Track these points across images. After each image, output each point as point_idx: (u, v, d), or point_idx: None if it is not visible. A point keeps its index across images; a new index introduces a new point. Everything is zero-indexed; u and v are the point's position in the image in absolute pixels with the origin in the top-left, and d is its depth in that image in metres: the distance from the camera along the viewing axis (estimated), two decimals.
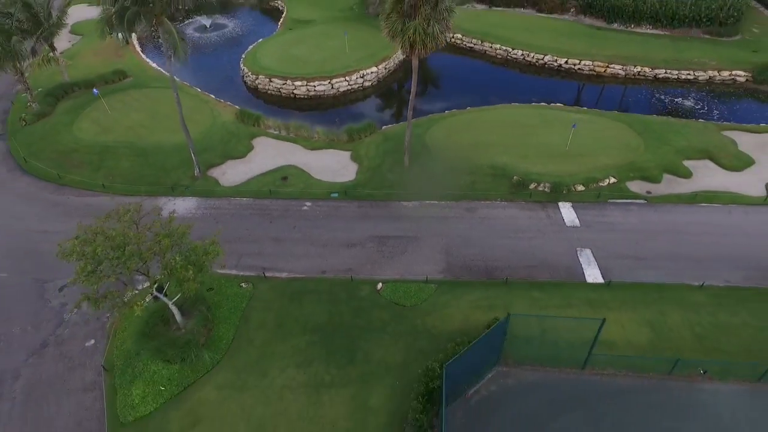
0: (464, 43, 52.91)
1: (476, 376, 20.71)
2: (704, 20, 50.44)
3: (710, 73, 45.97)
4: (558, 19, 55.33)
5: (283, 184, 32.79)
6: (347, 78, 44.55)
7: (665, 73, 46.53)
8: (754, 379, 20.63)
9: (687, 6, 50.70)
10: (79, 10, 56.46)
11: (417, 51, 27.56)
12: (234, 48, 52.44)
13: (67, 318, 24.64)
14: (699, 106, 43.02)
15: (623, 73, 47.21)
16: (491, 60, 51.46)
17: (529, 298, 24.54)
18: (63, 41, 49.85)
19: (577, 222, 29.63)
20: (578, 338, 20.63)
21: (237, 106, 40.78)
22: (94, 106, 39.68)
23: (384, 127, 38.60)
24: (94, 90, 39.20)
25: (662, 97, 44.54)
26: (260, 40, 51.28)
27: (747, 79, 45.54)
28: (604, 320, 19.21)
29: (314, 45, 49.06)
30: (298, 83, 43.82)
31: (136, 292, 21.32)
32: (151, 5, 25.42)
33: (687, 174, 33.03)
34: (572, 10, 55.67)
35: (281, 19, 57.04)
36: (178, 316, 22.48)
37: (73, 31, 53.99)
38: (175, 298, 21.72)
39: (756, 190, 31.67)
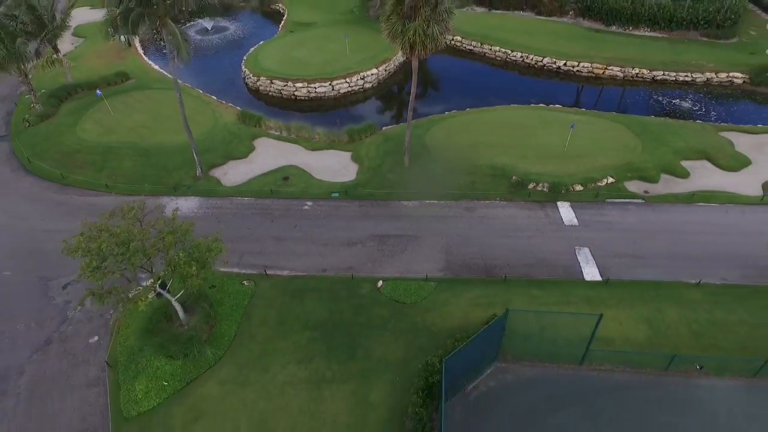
0: (464, 45, 53.33)
1: (475, 372, 20.95)
2: (702, 23, 50.83)
3: (708, 75, 46.35)
4: (557, 21, 55.77)
5: (284, 184, 33.11)
6: (348, 80, 44.94)
7: (663, 75, 46.90)
8: (749, 375, 20.90)
9: (684, 9, 51.12)
10: (81, 13, 56.85)
11: (417, 52, 27.92)
12: (235, 50, 52.87)
13: (71, 315, 24.92)
14: (697, 108, 43.37)
15: (621, 75, 47.61)
16: (491, 62, 51.87)
17: (527, 296, 24.81)
18: (66, 44, 50.27)
19: (575, 221, 29.92)
20: (576, 334, 20.90)
21: (238, 108, 41.19)
22: (97, 107, 40.07)
23: (384, 128, 38.97)
24: (98, 91, 39.57)
25: (660, 98, 44.89)
26: (261, 42, 51.74)
27: (744, 81, 45.91)
28: (601, 316, 19.47)
29: (315, 47, 49.48)
30: (299, 85, 44.21)
31: (140, 288, 21.54)
32: (155, 7, 25.80)
33: (684, 174, 33.35)
34: (571, 12, 56.10)
35: (282, 22, 57.50)
36: (180, 313, 22.75)
37: (75, 34, 54.46)
38: (178, 295, 21.99)
39: (753, 190, 31.97)
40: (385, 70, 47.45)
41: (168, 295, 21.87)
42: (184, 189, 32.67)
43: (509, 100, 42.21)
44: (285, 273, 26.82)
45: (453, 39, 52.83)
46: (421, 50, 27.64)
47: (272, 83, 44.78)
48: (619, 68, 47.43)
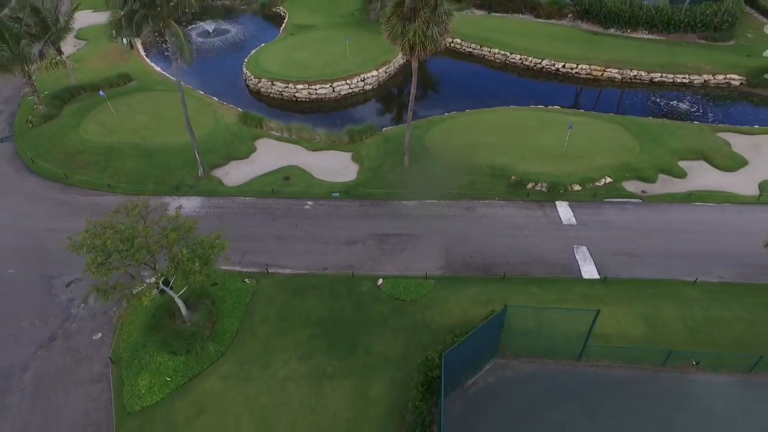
0: (463, 47, 53.76)
1: (474, 368, 21.21)
2: (699, 26, 51.28)
3: (705, 76, 46.75)
4: (556, 24, 56.22)
5: (285, 183, 33.43)
6: (348, 81, 45.34)
7: (661, 76, 47.30)
8: (745, 371, 21.13)
9: (682, 12, 51.57)
10: (84, 16, 57.27)
11: (417, 53, 28.25)
12: (237, 53, 53.29)
13: (75, 312, 25.20)
14: (694, 109, 43.74)
15: (620, 77, 48.02)
16: (490, 64, 52.27)
17: (526, 293, 25.08)
18: (68, 46, 50.69)
19: (573, 220, 30.23)
20: (574, 331, 21.16)
21: (240, 109, 41.57)
22: (100, 108, 40.42)
23: (384, 129, 39.33)
24: (101, 92, 39.96)
25: (658, 100, 45.28)
26: (263, 44, 52.15)
27: (741, 83, 46.32)
28: (598, 311, 19.75)
29: (316, 49, 49.91)
30: (299, 86, 44.61)
31: (144, 285, 21.83)
32: (158, 9, 26.17)
33: (682, 174, 33.69)
34: (569, 15, 56.55)
35: (283, 25, 57.95)
36: (183, 310, 23.04)
37: (78, 36, 54.83)
38: (181, 291, 22.29)
39: (749, 190, 32.30)
40: (386, 72, 47.85)
41: (171, 292, 22.16)
42: (186, 189, 32.99)
43: (508, 102, 42.53)
44: (286, 271, 27.11)
45: (452, 41, 53.33)
46: (421, 51, 27.98)
47: (273, 85, 45.18)
48: (617, 70, 47.86)
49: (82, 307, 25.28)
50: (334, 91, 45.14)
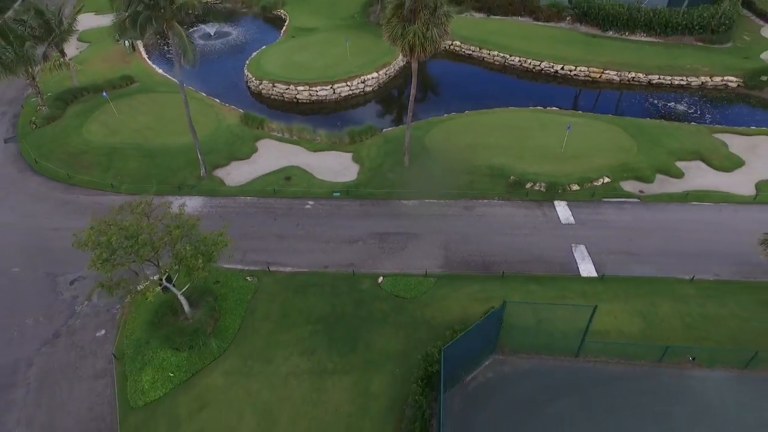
0: (463, 50, 54.16)
1: (474, 364, 21.49)
2: (697, 28, 51.72)
3: (703, 78, 47.13)
4: (554, 27, 56.63)
5: (286, 183, 33.77)
6: (349, 83, 45.74)
7: (659, 78, 47.70)
8: (740, 366, 21.42)
9: (680, 14, 52.04)
10: (86, 19, 57.65)
11: (416, 54, 28.63)
12: (238, 55, 53.71)
13: (79, 310, 25.50)
14: (692, 111, 44.13)
15: (618, 79, 48.41)
16: (489, 66, 52.67)
17: (525, 291, 25.37)
18: (71, 48, 51.01)
19: (572, 219, 30.55)
20: (572, 327, 21.44)
21: (241, 110, 41.94)
22: (103, 109, 40.80)
23: (384, 130, 39.71)
24: (104, 93, 40.36)
25: (656, 101, 45.69)
26: (264, 47, 52.50)
27: (738, 85, 46.71)
28: (596, 307, 20.08)
29: (317, 52, 50.32)
30: (300, 88, 45.00)
31: (148, 281, 22.12)
32: (162, 10, 26.56)
33: (679, 174, 34.03)
34: (568, 18, 57.00)
35: (284, 27, 58.36)
36: (186, 307, 23.33)
37: (80, 39, 55.14)
38: (184, 289, 22.59)
39: (745, 190, 32.64)
40: (386, 74, 48.26)
41: (174, 289, 22.46)
42: (188, 188, 33.33)
43: (508, 104, 42.82)
44: (288, 269, 27.42)
45: (452, 44, 53.77)
46: (421, 52, 28.36)
47: (274, 86, 45.58)
48: (615, 72, 48.27)
49: (85, 304, 25.59)
50: (334, 92, 45.54)
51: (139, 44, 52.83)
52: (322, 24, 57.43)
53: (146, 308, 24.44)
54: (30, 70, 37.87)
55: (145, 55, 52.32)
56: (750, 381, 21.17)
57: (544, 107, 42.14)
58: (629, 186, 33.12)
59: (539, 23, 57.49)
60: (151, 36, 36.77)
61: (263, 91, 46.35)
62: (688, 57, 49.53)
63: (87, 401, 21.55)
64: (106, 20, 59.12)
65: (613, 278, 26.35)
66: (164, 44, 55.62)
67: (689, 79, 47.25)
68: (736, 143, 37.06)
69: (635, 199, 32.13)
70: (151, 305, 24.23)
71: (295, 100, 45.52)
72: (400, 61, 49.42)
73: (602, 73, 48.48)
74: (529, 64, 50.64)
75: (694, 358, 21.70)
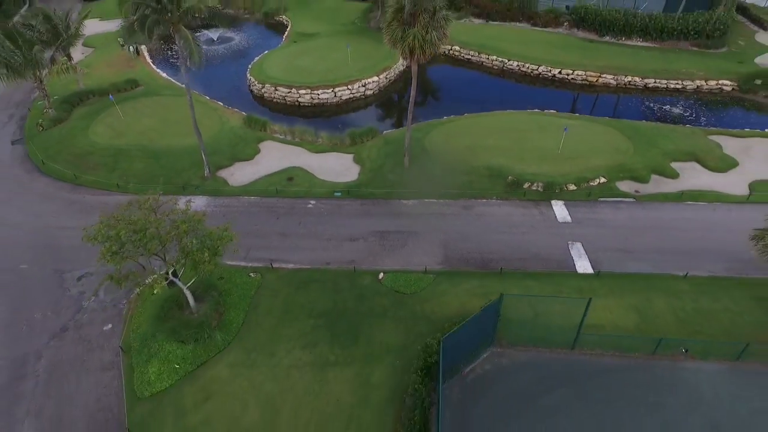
0: (462, 54, 55.07)
1: (472, 356, 22.01)
2: (692, 33, 52.62)
3: (698, 82, 47.97)
4: (552, 32, 57.60)
5: (288, 184, 34.42)
6: (350, 87, 46.53)
7: (655, 82, 48.53)
8: (732, 358, 21.92)
9: (675, 20, 52.98)
10: (91, 24, 58.50)
11: (416, 57, 29.37)
12: (241, 59, 54.63)
13: (86, 305, 26.06)
14: (687, 113, 44.87)
15: (614, 83, 49.22)
16: (488, 71, 53.56)
17: (522, 287, 25.92)
18: (76, 53, 51.77)
19: (568, 218, 31.15)
20: (568, 321, 21.94)
21: (244, 113, 42.67)
22: (108, 112, 41.58)
23: (385, 132, 40.42)
24: (110, 96, 41.15)
25: (652, 104, 46.45)
26: (266, 51, 53.44)
27: (733, 89, 47.52)
28: (590, 299, 20.62)
29: (318, 56, 51.19)
30: (302, 92, 45.79)
31: (155, 275, 22.71)
32: (169, 14, 27.34)
33: (674, 175, 34.67)
34: (565, 24, 57.98)
35: (286, 33, 59.36)
36: (191, 301, 23.90)
37: (85, 44, 56.13)
38: (190, 283, 23.17)
39: (739, 190, 33.25)
40: (386, 78, 49.07)
41: (180, 283, 23.03)
42: (192, 188, 33.97)
43: (506, 107, 43.47)
44: (290, 266, 28.00)
45: (451, 48, 54.66)
46: (420, 55, 29.09)
47: (276, 90, 46.37)
48: (612, 76, 49.07)
49: (92, 299, 26.17)
50: (336, 96, 46.32)
51: (144, 49, 53.74)
52: (323, 29, 58.39)
53: (152, 303, 25.02)
54: (38, 73, 38.71)
55: (149, 60, 53.20)
56: (742, 373, 21.65)
57: (542, 110, 42.84)
58: (625, 186, 33.75)
59: (537, 29, 58.48)
60: (157, 40, 37.69)
61: (265, 95, 47.13)
62: (684, 61, 50.40)
63: (95, 392, 22.07)
64: (110, 26, 60.42)
65: (608, 275, 26.91)
66: (168, 49, 56.51)
67: (685, 83, 48.09)
68: (730, 145, 37.74)
69: (631, 199, 32.75)
70: (157, 300, 24.88)
71: (296, 103, 46.30)
72: (400, 65, 50.30)
73: (599, 77, 49.30)
74: (528, 68, 51.50)
75: (687, 351, 22.22)
